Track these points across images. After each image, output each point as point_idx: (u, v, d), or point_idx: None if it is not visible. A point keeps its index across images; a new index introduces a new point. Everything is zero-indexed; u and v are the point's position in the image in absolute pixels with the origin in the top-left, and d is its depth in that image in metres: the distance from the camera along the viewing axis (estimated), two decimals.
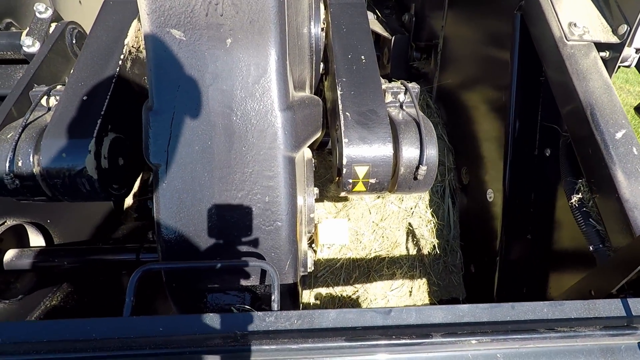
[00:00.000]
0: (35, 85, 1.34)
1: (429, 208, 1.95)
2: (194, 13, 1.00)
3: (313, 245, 1.77)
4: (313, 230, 1.47)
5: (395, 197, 1.95)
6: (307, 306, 1.86)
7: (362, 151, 1.12)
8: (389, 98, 1.27)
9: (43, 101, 1.25)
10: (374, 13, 2.54)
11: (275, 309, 0.95)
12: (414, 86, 1.29)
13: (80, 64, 1.27)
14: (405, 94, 1.27)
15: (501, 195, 1.55)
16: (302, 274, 1.24)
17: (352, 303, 1.85)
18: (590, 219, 1.09)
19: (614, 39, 1.25)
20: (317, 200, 1.47)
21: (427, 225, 1.93)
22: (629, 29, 1.22)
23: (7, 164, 1.09)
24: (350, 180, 1.15)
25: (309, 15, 1.35)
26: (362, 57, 1.29)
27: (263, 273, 1.10)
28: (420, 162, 1.13)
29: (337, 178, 1.22)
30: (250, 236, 1.07)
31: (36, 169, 1.11)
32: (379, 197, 1.96)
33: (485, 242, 1.69)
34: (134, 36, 1.40)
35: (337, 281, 1.81)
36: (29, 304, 1.63)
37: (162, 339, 0.77)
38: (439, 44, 2.15)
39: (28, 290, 1.71)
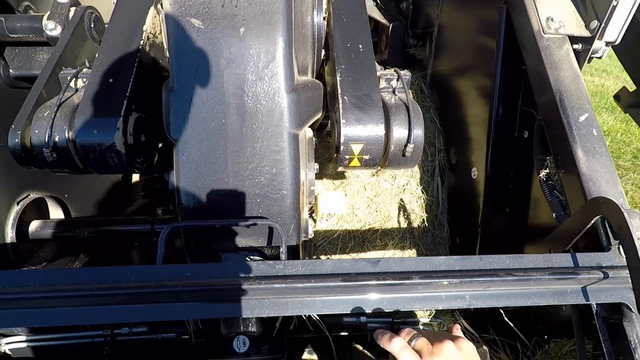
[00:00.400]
0: (63, 67, 1.45)
1: (419, 185, 2.08)
2: (212, 4, 1.10)
3: (313, 214, 1.92)
4: (313, 202, 1.61)
5: (388, 175, 2.07)
6: None
7: (357, 131, 1.22)
8: (382, 84, 1.37)
9: (71, 83, 1.37)
10: (374, 0, 2.59)
11: (284, 259, 1.10)
12: (405, 73, 1.40)
13: (104, 49, 1.37)
14: (397, 80, 1.38)
15: (484, 173, 1.67)
16: (303, 239, 1.38)
17: None
18: (555, 191, 1.23)
19: (586, 33, 1.37)
20: (316, 177, 1.59)
21: (417, 201, 2.06)
22: (599, 24, 1.33)
23: (46, 139, 1.21)
24: (347, 157, 1.25)
25: (312, 5, 1.42)
26: (360, 46, 1.38)
27: (270, 235, 1.23)
28: (408, 141, 1.25)
29: (335, 155, 1.32)
30: (259, 203, 1.20)
31: (70, 144, 1.22)
32: (373, 175, 2.09)
33: (469, 216, 1.82)
34: (152, 22, 1.51)
35: (334, 250, 1.96)
36: None
37: (190, 281, 0.93)
38: (434, 32, 2.22)
39: (50, 258, 1.85)
